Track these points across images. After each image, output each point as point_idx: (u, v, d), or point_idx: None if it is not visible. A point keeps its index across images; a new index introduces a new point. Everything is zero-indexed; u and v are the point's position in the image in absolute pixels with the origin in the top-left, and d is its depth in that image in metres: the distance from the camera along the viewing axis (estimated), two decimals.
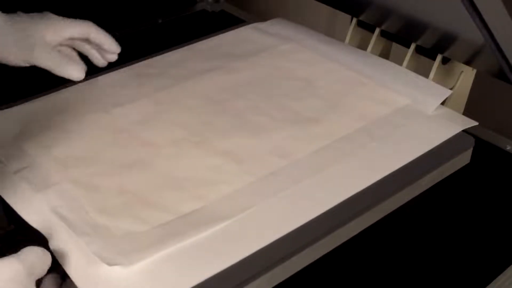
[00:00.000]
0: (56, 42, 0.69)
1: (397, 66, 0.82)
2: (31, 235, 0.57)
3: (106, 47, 0.71)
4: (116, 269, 0.52)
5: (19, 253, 0.48)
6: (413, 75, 0.80)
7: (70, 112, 0.72)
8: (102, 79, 0.79)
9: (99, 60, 0.73)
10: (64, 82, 0.77)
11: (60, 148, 0.67)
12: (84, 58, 0.71)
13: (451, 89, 0.80)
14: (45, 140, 0.68)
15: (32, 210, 0.59)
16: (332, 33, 0.90)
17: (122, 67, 0.81)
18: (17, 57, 0.67)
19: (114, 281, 0.52)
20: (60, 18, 0.69)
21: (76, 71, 0.68)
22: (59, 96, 0.76)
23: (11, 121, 0.71)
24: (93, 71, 0.80)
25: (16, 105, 0.74)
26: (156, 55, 0.85)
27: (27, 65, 0.68)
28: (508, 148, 0.77)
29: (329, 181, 0.64)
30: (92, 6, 0.96)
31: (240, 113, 0.73)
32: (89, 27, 0.70)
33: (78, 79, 0.68)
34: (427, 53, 0.81)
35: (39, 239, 0.55)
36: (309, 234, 0.58)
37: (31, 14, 0.69)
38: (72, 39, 0.69)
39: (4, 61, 0.67)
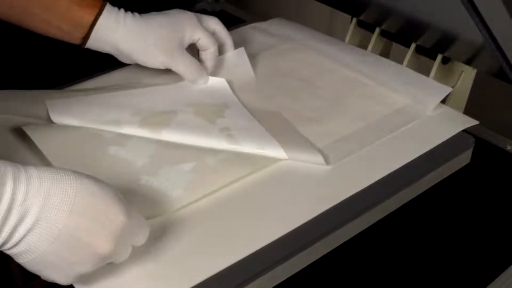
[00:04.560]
0: (187, 45, 0.73)
1: (397, 64, 0.82)
2: None
3: (227, 44, 0.78)
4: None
5: None
6: (413, 73, 0.80)
7: None
8: (103, 79, 0.79)
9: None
10: (68, 81, 0.77)
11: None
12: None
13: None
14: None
15: None
16: (332, 33, 0.90)
17: (122, 67, 0.81)
18: (156, 60, 0.72)
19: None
20: (191, 15, 0.73)
21: (204, 80, 0.74)
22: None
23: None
24: (93, 71, 0.80)
25: None
26: None
27: (163, 67, 0.73)
28: (508, 148, 0.77)
29: (328, 181, 0.63)
30: None
31: None
32: (216, 23, 0.77)
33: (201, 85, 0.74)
34: (427, 53, 0.81)
35: None
36: (309, 234, 0.58)
37: (165, 12, 0.73)
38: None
39: (142, 63, 0.72)
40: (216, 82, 0.75)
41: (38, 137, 0.64)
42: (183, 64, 0.73)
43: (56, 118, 0.67)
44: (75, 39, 0.71)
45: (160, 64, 0.72)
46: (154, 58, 0.72)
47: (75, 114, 0.67)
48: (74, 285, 0.51)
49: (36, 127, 0.65)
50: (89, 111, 0.68)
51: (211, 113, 0.70)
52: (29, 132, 0.64)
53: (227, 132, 0.67)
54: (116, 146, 0.65)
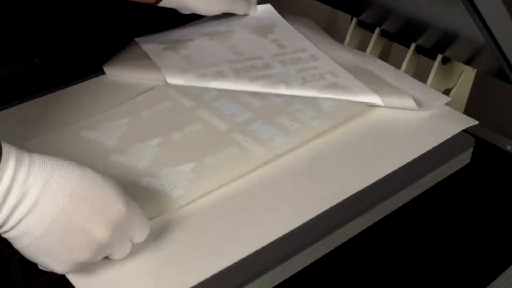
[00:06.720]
0: None
1: (396, 70, 0.81)
2: None
3: None
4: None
5: None
6: (412, 80, 0.79)
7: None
8: (103, 79, 0.79)
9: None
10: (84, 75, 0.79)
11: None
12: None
13: (451, 89, 0.80)
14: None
15: None
16: (332, 33, 0.90)
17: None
18: (216, 9, 0.85)
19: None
20: None
21: (254, 11, 0.89)
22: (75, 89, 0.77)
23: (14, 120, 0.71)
24: (96, 70, 0.80)
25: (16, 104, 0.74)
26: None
27: (218, 13, 0.86)
28: (508, 148, 0.77)
29: (329, 181, 0.64)
30: (96, 8, 0.96)
31: None
32: None
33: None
34: (427, 53, 0.81)
35: None
36: (309, 234, 0.58)
37: None
38: None
39: (203, 14, 0.85)
40: (263, 8, 0.90)
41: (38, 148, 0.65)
42: (236, 5, 0.87)
43: (172, 79, 0.76)
44: (150, 1, 0.81)
45: (218, 11, 0.86)
46: (215, 7, 0.85)
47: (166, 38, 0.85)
48: (74, 284, 0.51)
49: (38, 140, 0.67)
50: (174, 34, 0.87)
51: (263, 30, 0.86)
52: (31, 146, 0.65)
53: (277, 43, 0.83)
54: (116, 153, 0.65)
